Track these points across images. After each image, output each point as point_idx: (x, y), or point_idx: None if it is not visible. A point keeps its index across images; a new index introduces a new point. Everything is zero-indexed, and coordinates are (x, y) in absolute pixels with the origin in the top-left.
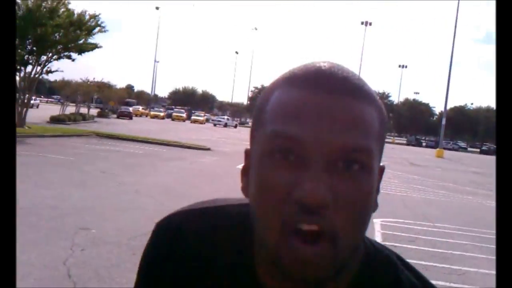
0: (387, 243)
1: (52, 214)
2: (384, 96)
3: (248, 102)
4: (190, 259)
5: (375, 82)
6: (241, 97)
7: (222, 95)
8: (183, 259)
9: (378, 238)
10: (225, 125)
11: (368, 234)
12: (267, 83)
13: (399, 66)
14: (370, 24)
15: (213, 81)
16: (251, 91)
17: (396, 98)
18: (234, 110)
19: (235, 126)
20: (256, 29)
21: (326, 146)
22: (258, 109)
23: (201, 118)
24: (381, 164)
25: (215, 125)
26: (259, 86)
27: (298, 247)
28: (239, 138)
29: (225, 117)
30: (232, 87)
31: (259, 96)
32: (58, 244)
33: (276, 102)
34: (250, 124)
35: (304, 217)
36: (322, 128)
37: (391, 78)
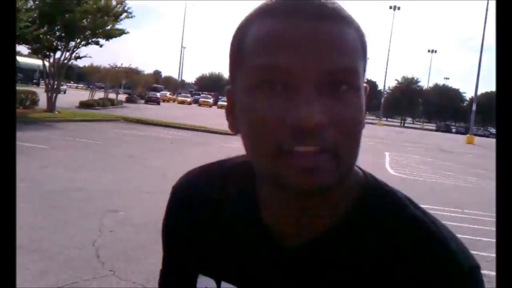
0: None
1: (81, 197)
2: (413, 82)
3: None
4: (202, 207)
5: (404, 68)
6: None
7: None
8: (195, 208)
9: None
10: None
11: None
12: None
13: (429, 51)
14: (399, 8)
15: None
16: None
17: (425, 83)
18: None
19: None
20: None
21: (313, 71)
22: (235, 46)
23: None
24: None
25: None
26: None
27: (300, 160)
28: None
29: None
30: None
31: (234, 33)
32: (87, 225)
33: (255, 35)
34: None
35: (300, 141)
36: (307, 54)
37: (420, 63)
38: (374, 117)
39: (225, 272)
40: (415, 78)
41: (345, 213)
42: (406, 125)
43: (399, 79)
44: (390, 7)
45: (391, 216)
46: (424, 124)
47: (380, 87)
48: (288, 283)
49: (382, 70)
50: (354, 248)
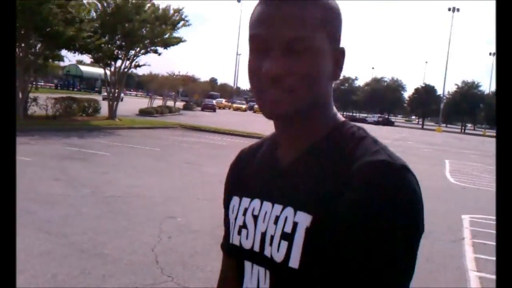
0: (476, 241)
1: (141, 203)
2: (473, 86)
3: None
4: (249, 156)
5: (464, 72)
6: None
7: None
8: (245, 159)
9: (466, 234)
10: None
11: (456, 230)
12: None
13: (490, 54)
14: (458, 10)
15: None
16: None
17: (487, 88)
18: None
19: None
20: None
21: (277, 39)
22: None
23: None
24: (340, 47)
25: None
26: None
27: (268, 95)
28: None
29: None
30: None
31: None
32: (147, 231)
33: (251, 16)
34: None
35: (269, 84)
36: (273, 28)
37: (481, 67)
38: (433, 123)
39: (245, 191)
40: (476, 83)
41: (318, 140)
42: (466, 131)
43: (459, 84)
44: (449, 9)
45: (346, 140)
46: (486, 130)
47: (439, 91)
48: (281, 190)
49: (441, 74)
50: (321, 163)
